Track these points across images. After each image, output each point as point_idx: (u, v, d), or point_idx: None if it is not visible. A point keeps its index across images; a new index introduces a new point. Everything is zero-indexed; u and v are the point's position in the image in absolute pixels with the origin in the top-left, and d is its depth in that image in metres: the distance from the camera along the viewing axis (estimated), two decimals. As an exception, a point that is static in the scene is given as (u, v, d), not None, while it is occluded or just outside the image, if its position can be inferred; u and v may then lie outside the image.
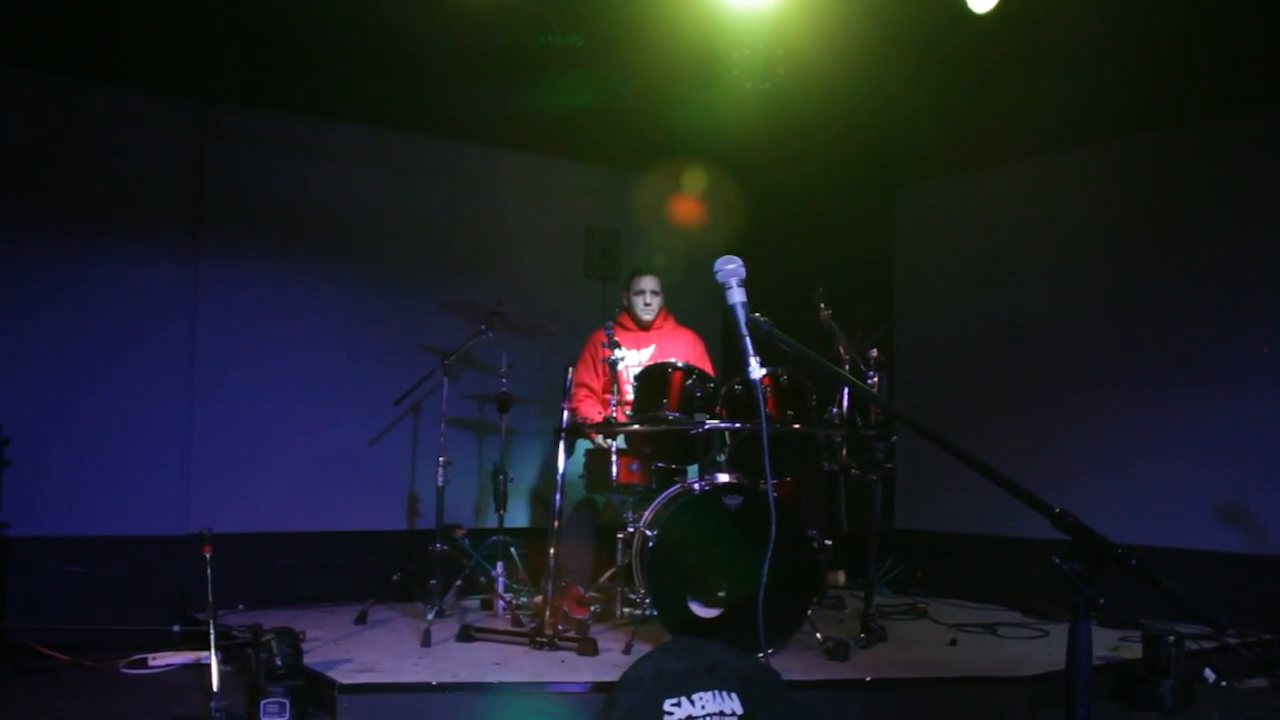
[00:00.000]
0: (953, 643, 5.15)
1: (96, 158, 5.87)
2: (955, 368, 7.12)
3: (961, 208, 7.22)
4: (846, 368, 5.16)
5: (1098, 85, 5.74)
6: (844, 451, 5.30)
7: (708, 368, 5.72)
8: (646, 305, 6.02)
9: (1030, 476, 6.33)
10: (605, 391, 6.01)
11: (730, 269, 2.70)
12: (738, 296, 2.68)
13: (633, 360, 5.61)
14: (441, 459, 5.54)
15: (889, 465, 5.10)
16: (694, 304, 6.30)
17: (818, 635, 4.75)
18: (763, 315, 2.63)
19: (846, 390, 5.10)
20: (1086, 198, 6.52)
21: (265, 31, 5.41)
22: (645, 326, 6.05)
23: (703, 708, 3.72)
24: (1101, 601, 1.84)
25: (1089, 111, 6.09)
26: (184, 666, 4.85)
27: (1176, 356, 6.04)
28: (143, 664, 4.88)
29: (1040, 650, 4.99)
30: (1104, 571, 1.87)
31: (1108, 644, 5.02)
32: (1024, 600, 5.95)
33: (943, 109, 6.24)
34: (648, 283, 6.04)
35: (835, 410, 5.09)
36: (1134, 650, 4.62)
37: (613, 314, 5.42)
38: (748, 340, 2.63)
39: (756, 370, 2.64)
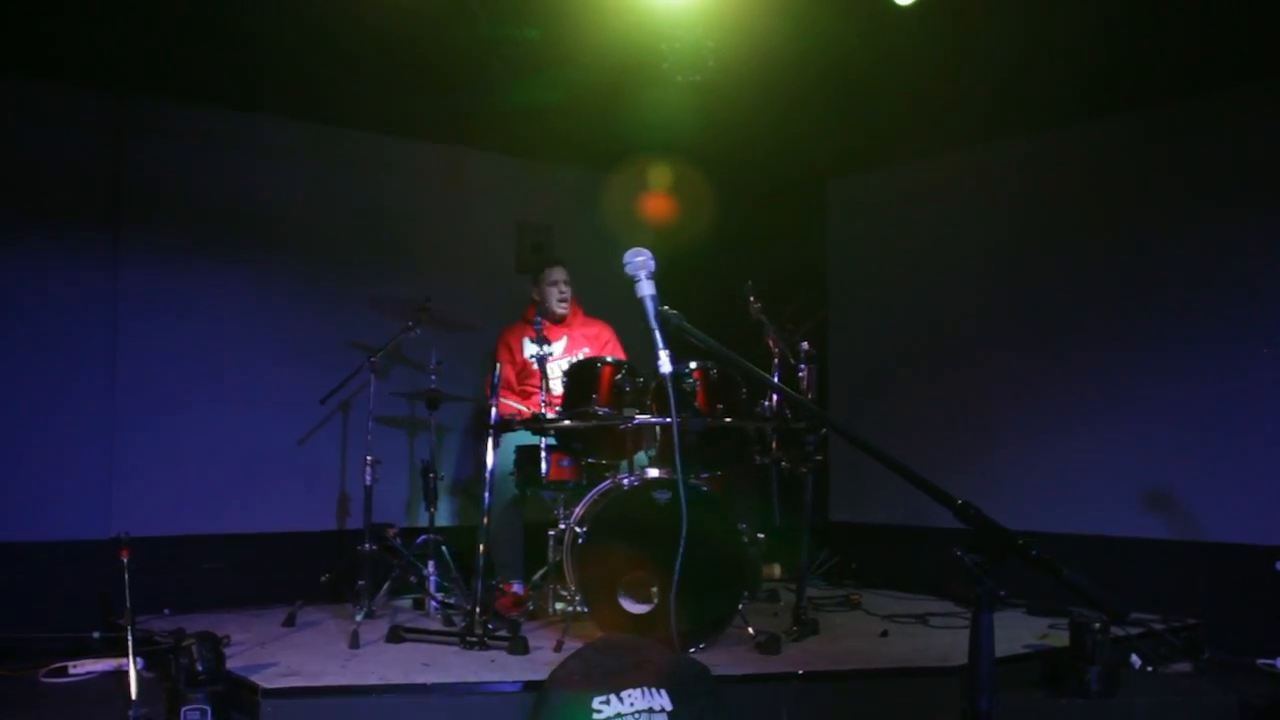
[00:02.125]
0: (884, 634, 5.17)
1: (7, 153, 5.70)
2: (888, 360, 7.16)
3: (893, 200, 7.26)
4: (776, 360, 5.16)
5: (1024, 75, 5.77)
6: (775, 445, 5.29)
7: (621, 357, 5.72)
8: (561, 297, 6.00)
9: (959, 467, 6.45)
10: (521, 385, 5.98)
11: (639, 261, 2.68)
12: (647, 289, 2.66)
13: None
14: (369, 458, 5.49)
15: (819, 458, 5.11)
16: (622, 297, 6.25)
17: (749, 629, 4.73)
18: (673, 309, 2.61)
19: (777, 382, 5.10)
20: (1012, 189, 6.59)
21: (186, 21, 5.29)
22: (559, 320, 6.02)
23: (631, 705, 3.71)
24: (1003, 593, 1.84)
25: (1017, 102, 6.13)
26: (105, 674, 4.77)
27: (1100, 345, 6.10)
28: (63, 672, 4.79)
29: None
30: (1005, 562, 1.87)
31: (1036, 631, 5.07)
32: (955, 590, 5.99)
33: (872, 101, 6.27)
34: (560, 274, 6.03)
35: (766, 404, 5.09)
36: (1062, 638, 4.65)
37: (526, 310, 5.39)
38: (658, 334, 2.61)
39: (666, 364, 2.62)
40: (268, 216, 6.44)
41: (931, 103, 6.24)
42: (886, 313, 7.20)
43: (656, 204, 7.51)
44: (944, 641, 4.96)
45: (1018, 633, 5.03)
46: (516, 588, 5.69)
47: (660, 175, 7.56)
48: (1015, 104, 6.14)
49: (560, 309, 6.02)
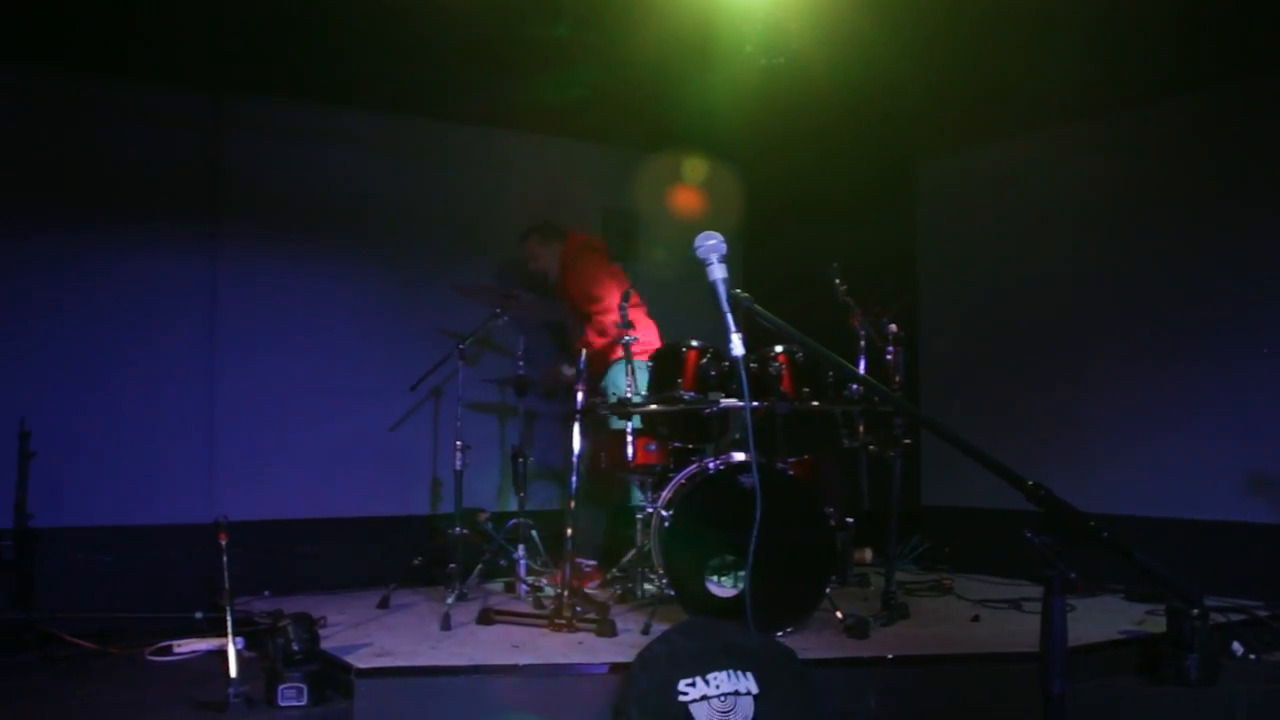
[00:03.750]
0: (976, 619, 5.11)
1: (115, 151, 5.93)
2: (979, 342, 7.05)
3: (984, 181, 7.13)
4: (862, 343, 5.11)
5: (1121, 48, 5.62)
6: (862, 428, 5.25)
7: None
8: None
9: (1053, 449, 6.32)
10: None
11: (710, 245, 2.67)
12: (718, 273, 2.65)
13: None
14: (459, 443, 5.56)
15: (908, 441, 5.05)
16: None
17: (838, 613, 4.72)
18: (743, 291, 2.60)
19: (864, 365, 5.07)
20: (1106, 168, 6.43)
21: (277, 21, 5.41)
22: None
23: (717, 687, 3.72)
24: (1073, 575, 1.81)
25: (1112, 77, 5.97)
26: (208, 653, 4.89)
27: (1202, 324, 5.94)
28: (168, 651, 4.93)
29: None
30: (1076, 545, 1.84)
31: (1133, 618, 4.96)
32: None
33: (962, 81, 6.16)
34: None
35: (854, 387, 5.05)
36: (1160, 624, 4.55)
37: (626, 295, 5.41)
38: (729, 318, 2.60)
39: (738, 347, 2.61)
40: (357, 208, 6.58)
41: (1022, 81, 6.10)
42: (977, 294, 7.09)
43: (742, 189, 7.49)
44: (1037, 626, 4.86)
45: (1114, 618, 4.94)
46: (587, 563, 5.77)
47: (746, 160, 7.54)
48: (1110, 79, 5.98)
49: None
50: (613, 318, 5.63)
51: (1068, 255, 6.57)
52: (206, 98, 6.17)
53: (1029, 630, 4.79)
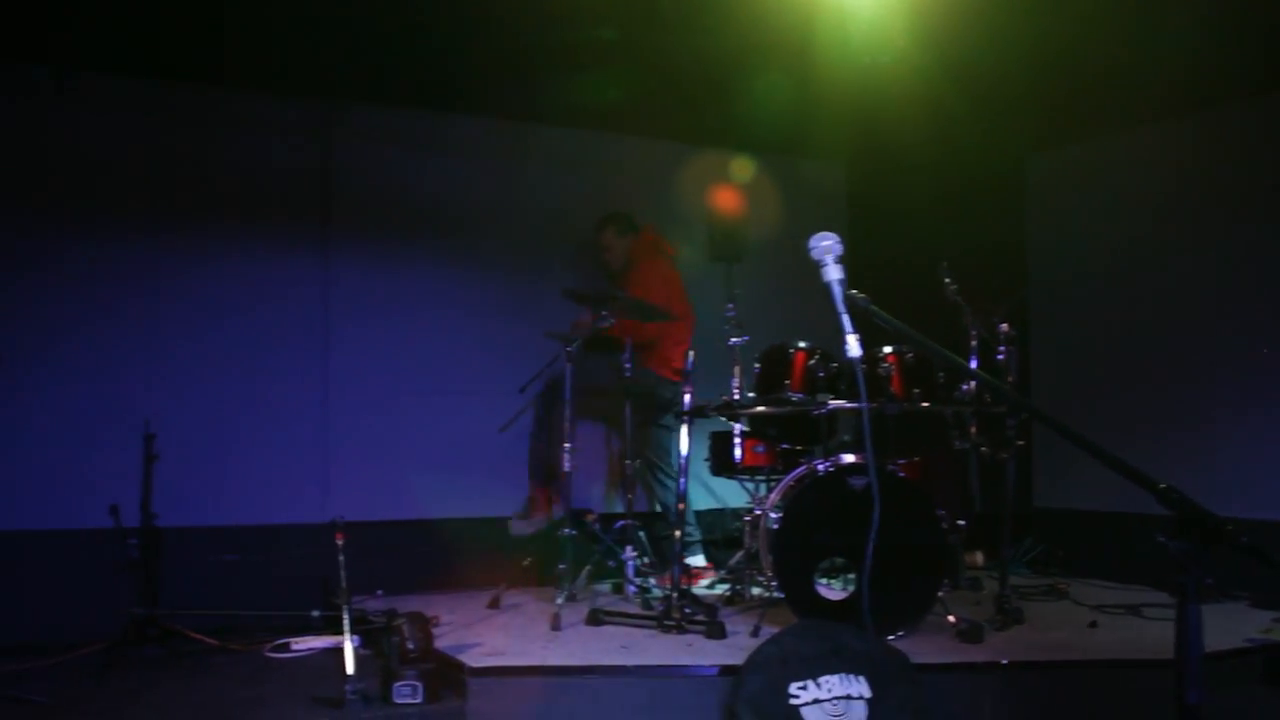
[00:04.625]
0: (1093, 624, 4.99)
1: (226, 161, 6.11)
2: (1095, 340, 6.88)
3: (1095, 176, 6.95)
4: (974, 343, 5.03)
5: (1232, 39, 5.45)
6: (974, 429, 5.16)
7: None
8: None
9: (1170, 450, 6.13)
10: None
11: (825, 245, 2.65)
12: (834, 274, 2.63)
13: None
14: (567, 445, 5.59)
15: (1021, 442, 4.96)
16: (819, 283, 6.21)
17: (950, 617, 4.65)
18: (860, 292, 2.57)
19: (975, 365, 4.99)
20: (1221, 161, 6.23)
21: (384, 31, 5.53)
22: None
23: (829, 690, 3.70)
24: (1210, 581, 1.76)
25: (1222, 70, 5.79)
26: (324, 650, 5.02)
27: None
28: (285, 648, 5.07)
29: (1188, 632, 4.79)
30: (1212, 550, 1.78)
31: (1260, 625, 4.80)
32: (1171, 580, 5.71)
33: (1071, 75, 6.02)
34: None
35: (965, 387, 4.98)
36: (1288, 632, 4.41)
37: (737, 296, 5.40)
38: (845, 318, 2.58)
39: (855, 348, 2.59)
40: (464, 211, 6.68)
41: (1132, 74, 5.94)
42: (1092, 291, 6.92)
43: (844, 188, 7.42)
44: (1158, 633, 4.74)
45: (1240, 626, 4.78)
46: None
47: (851, 159, 7.46)
48: (1225, 70, 5.79)
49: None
50: (654, 331, 5.77)
51: (1182, 250, 6.38)
52: (318, 107, 6.32)
53: (1150, 637, 4.68)
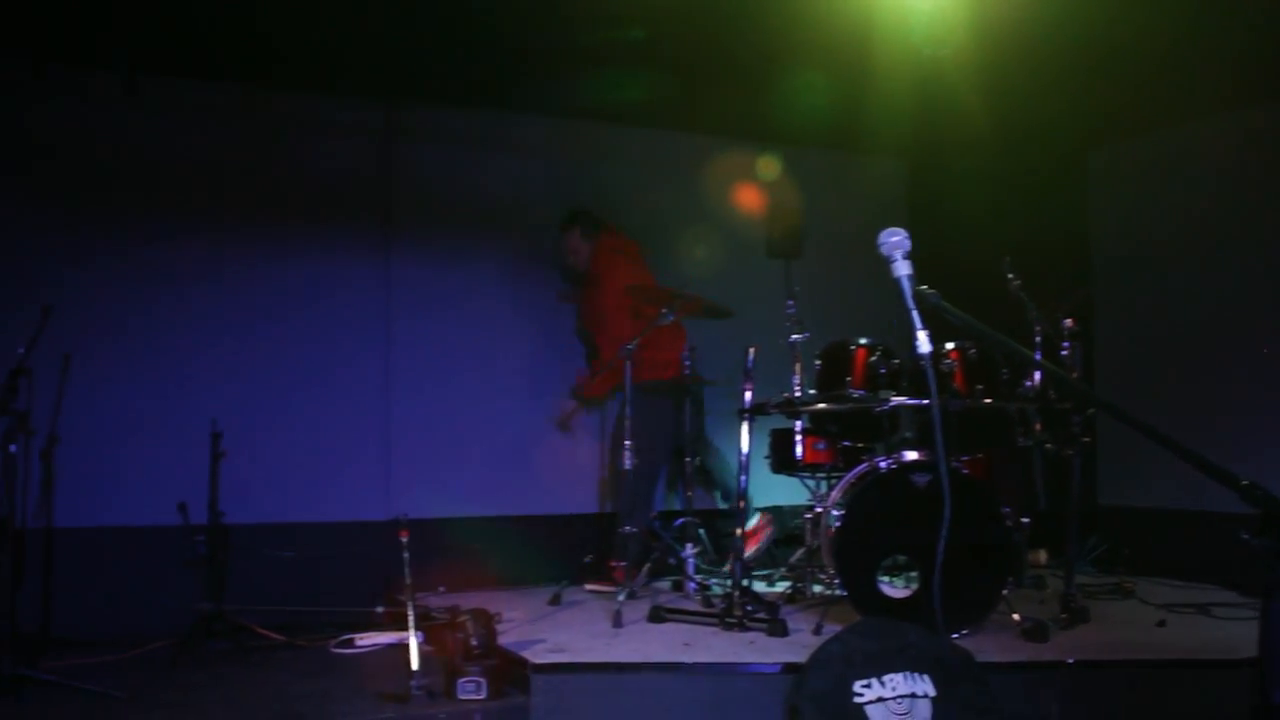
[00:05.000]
0: (1161, 623, 4.91)
1: (288, 162, 6.19)
2: (1161, 336, 6.75)
3: (1159, 169, 6.82)
4: (1038, 339, 4.97)
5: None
6: (1038, 426, 5.10)
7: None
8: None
9: (1239, 447, 6.01)
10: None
11: (894, 241, 2.62)
12: (903, 269, 2.61)
13: None
14: (628, 442, 5.59)
15: (1086, 439, 4.89)
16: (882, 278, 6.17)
17: (1015, 616, 4.60)
18: (930, 288, 2.55)
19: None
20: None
21: (444, 32, 5.57)
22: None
23: (894, 689, 3.67)
24: (1295, 579, 1.73)
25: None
26: (388, 646, 5.07)
27: None
28: (350, 644, 5.13)
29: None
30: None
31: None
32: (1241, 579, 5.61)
33: (1133, 67, 5.93)
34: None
35: (1029, 384, 4.93)
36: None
37: (796, 293, 5.37)
38: (915, 314, 2.56)
39: (925, 345, 2.56)
40: (523, 211, 6.71)
41: (1196, 63, 5.83)
42: (1158, 286, 6.79)
43: (904, 184, 7.36)
44: (1229, 633, 4.68)
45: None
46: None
47: (911, 154, 7.41)
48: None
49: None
50: (618, 348, 5.59)
51: (1248, 244, 6.24)
52: (379, 108, 6.38)
53: (1220, 636, 4.60)
